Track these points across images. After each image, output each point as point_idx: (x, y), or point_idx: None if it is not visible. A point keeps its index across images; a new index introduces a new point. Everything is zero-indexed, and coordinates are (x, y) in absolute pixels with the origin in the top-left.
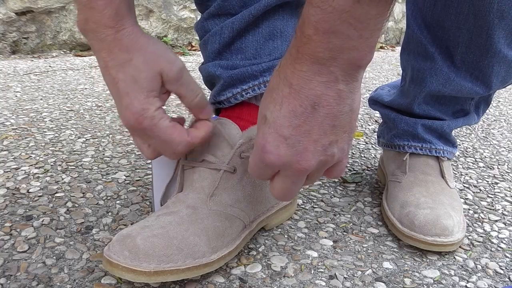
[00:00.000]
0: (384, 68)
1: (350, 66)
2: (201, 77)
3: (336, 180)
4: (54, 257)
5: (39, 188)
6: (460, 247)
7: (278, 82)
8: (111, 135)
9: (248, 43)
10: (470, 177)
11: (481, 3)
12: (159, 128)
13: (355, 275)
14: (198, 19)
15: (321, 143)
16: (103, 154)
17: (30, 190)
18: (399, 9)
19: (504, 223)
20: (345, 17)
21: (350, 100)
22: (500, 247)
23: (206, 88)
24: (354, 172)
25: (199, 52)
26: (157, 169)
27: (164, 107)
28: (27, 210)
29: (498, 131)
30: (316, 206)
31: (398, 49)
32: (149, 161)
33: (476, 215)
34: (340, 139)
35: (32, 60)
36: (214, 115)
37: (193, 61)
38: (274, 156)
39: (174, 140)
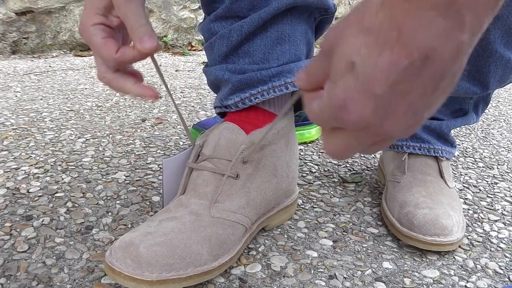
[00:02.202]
0: None
1: (483, 10)
2: (200, 77)
3: (336, 180)
4: (54, 257)
5: (39, 188)
6: (459, 247)
7: (382, 21)
8: (111, 135)
9: (256, 47)
10: (470, 177)
11: None
12: (92, 43)
13: (355, 275)
14: (203, 20)
15: (415, 107)
16: (103, 154)
17: (30, 190)
18: None
19: (504, 223)
20: None
21: (464, 59)
22: (500, 247)
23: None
24: (354, 172)
25: (199, 52)
26: (167, 170)
27: (104, 26)
28: (27, 210)
29: (497, 131)
30: (316, 206)
31: None
32: (160, 162)
33: (475, 215)
34: (435, 103)
35: (32, 60)
36: (221, 118)
37: (193, 61)
38: (356, 117)
39: (103, 55)
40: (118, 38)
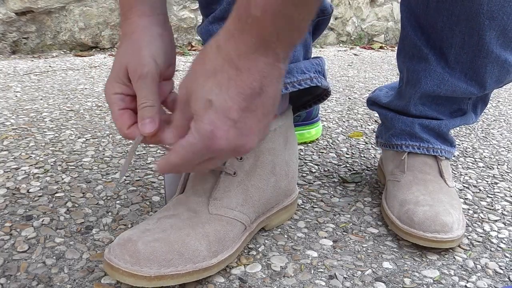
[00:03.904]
0: (384, 68)
1: (290, 46)
2: None
3: (336, 180)
4: (54, 257)
5: (39, 188)
6: (459, 246)
7: (222, 64)
8: (111, 135)
9: None
10: (470, 177)
11: (471, 5)
12: (111, 110)
13: (355, 275)
14: (201, 22)
15: (263, 122)
16: (103, 154)
17: (30, 190)
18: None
19: (504, 223)
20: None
21: (282, 81)
22: (500, 247)
23: None
24: (354, 172)
25: None
26: (169, 178)
27: (124, 96)
28: (27, 210)
29: (497, 131)
30: (316, 206)
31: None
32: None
33: (475, 215)
34: (272, 117)
35: (32, 60)
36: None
37: None
38: (224, 141)
39: (116, 126)
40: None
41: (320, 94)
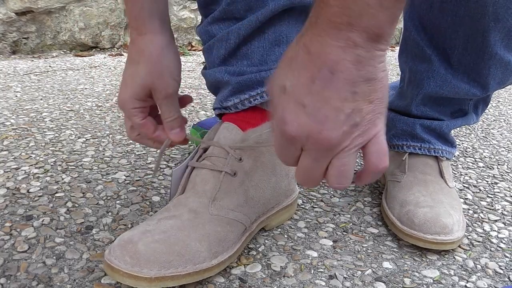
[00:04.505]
0: None
1: (369, 34)
2: (200, 77)
3: None
4: (54, 257)
5: (39, 188)
6: (459, 247)
7: (297, 50)
8: (111, 135)
9: (254, 49)
10: (470, 177)
11: (476, 6)
12: (133, 121)
13: (355, 275)
14: (200, 22)
15: (343, 111)
16: (103, 154)
17: (30, 190)
18: None
19: (504, 223)
20: None
21: (372, 68)
22: (500, 247)
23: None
24: (354, 172)
25: (199, 52)
26: (175, 177)
27: (143, 108)
28: (27, 210)
29: (497, 131)
30: (316, 206)
31: (398, 49)
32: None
33: (475, 215)
34: (366, 109)
35: (32, 60)
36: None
37: (193, 61)
38: (295, 126)
39: (141, 132)
40: (152, 110)
41: None
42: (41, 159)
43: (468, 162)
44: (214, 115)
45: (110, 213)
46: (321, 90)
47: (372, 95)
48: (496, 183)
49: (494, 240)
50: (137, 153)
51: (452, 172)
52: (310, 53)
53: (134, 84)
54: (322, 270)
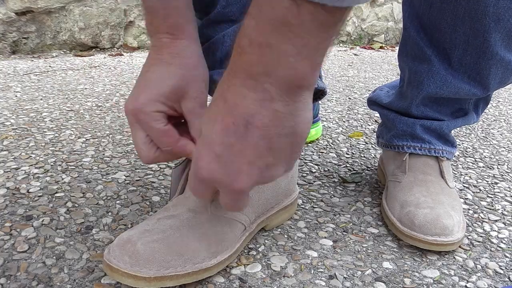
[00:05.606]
0: (384, 68)
1: (287, 85)
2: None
3: (336, 180)
4: (54, 257)
5: (39, 188)
6: (460, 247)
7: (216, 97)
8: (111, 135)
9: None
10: (470, 177)
11: (476, 6)
12: (153, 128)
13: (355, 275)
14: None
15: (256, 165)
16: (103, 154)
17: (30, 190)
18: (398, 9)
19: (504, 223)
20: (282, 31)
21: (291, 123)
22: (500, 247)
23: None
24: (354, 172)
25: None
26: (174, 176)
27: (165, 113)
28: (27, 210)
29: (497, 131)
30: (316, 206)
31: (398, 49)
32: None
33: (476, 215)
34: (280, 163)
35: (32, 60)
36: None
37: None
38: (206, 171)
39: (162, 142)
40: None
41: (316, 93)
42: (41, 159)
43: (468, 162)
44: None
45: (110, 213)
46: (234, 143)
47: (288, 150)
48: (496, 183)
49: (494, 240)
50: (137, 153)
51: (452, 172)
52: (226, 102)
53: (162, 84)
54: (322, 270)
